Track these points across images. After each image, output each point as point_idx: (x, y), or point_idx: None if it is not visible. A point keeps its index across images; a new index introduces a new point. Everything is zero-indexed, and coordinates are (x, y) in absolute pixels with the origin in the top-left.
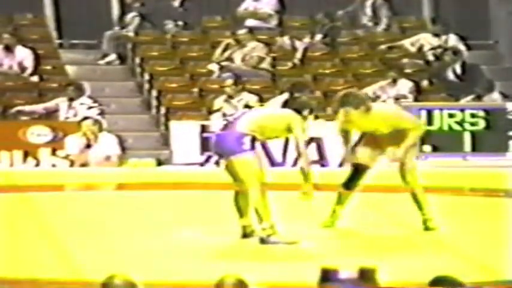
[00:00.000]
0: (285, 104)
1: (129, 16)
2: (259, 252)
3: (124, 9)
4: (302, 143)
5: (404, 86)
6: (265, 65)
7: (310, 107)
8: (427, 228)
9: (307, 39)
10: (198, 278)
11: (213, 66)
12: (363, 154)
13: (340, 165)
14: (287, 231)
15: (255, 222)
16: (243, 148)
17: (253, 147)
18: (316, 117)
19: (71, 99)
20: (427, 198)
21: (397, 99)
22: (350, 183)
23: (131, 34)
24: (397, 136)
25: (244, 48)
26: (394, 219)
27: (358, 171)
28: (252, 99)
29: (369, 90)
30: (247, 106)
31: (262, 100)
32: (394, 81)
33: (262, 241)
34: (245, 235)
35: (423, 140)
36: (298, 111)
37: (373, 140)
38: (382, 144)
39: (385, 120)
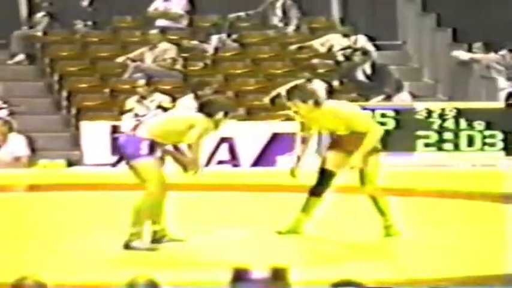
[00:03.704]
0: (201, 106)
1: (38, 15)
2: (171, 254)
3: (32, 9)
4: (196, 140)
5: (320, 86)
6: (177, 66)
7: (226, 109)
8: (388, 235)
9: (217, 39)
10: (109, 279)
11: (126, 64)
12: (331, 159)
13: (291, 173)
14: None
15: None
16: (140, 153)
17: (151, 152)
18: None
19: None
20: (388, 203)
21: None
22: (317, 189)
23: (40, 34)
24: (360, 140)
25: (156, 49)
26: (356, 221)
27: (324, 176)
28: (165, 99)
29: (282, 90)
30: (159, 107)
31: (174, 100)
32: (309, 81)
33: (154, 241)
34: (155, 240)
35: None
36: (211, 114)
37: (339, 145)
38: (348, 149)
39: (339, 118)
